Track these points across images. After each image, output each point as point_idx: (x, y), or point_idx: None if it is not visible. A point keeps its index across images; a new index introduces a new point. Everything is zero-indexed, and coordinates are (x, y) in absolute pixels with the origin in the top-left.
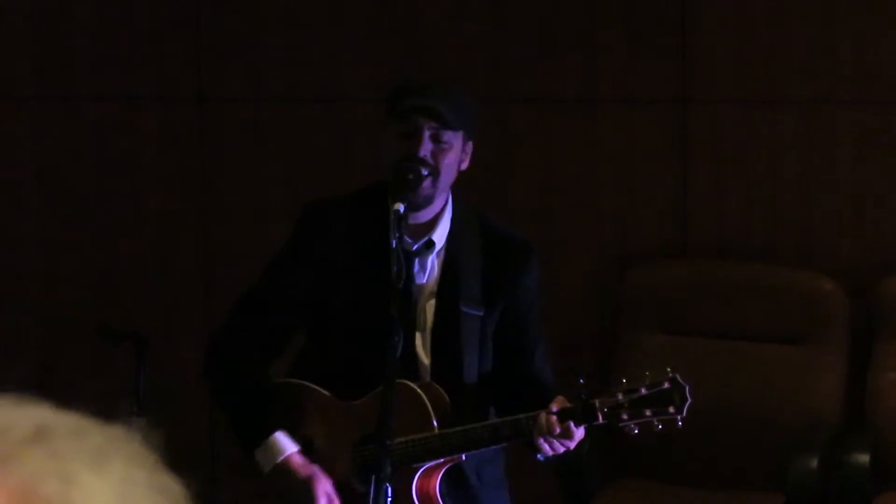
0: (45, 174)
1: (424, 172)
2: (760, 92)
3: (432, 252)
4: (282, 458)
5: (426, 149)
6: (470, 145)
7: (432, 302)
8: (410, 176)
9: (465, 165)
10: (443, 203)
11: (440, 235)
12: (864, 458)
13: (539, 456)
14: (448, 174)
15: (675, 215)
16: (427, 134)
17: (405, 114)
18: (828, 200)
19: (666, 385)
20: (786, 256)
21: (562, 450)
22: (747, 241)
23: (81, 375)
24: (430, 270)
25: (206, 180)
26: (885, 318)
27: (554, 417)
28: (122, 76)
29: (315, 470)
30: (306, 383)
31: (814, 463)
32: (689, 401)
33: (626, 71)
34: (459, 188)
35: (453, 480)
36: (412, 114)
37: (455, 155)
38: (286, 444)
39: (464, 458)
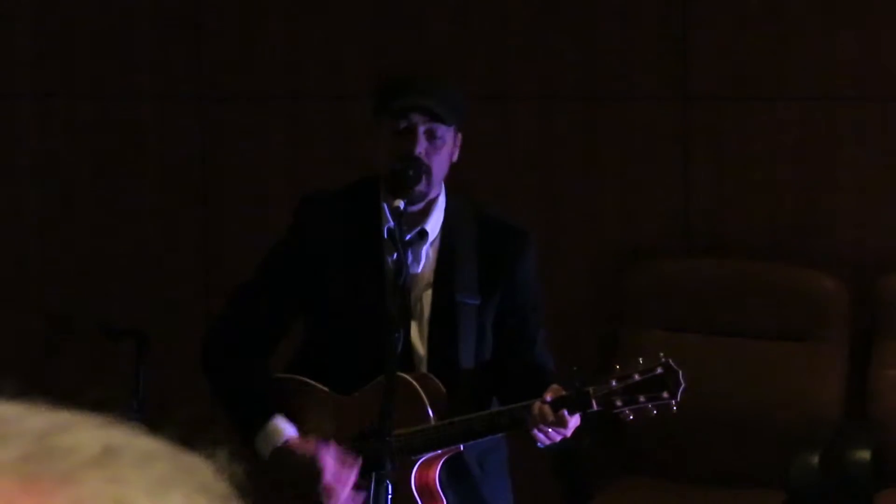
0: (45, 173)
1: (421, 170)
2: (761, 89)
3: (426, 242)
4: (282, 441)
5: (422, 146)
6: (460, 137)
7: (429, 292)
8: (411, 172)
9: (455, 157)
10: (435, 194)
11: (433, 225)
12: (866, 455)
13: (539, 444)
14: (440, 169)
15: (677, 213)
16: (422, 130)
17: (399, 112)
18: (829, 198)
19: (659, 370)
20: (787, 254)
21: (558, 438)
22: (748, 239)
23: (82, 373)
24: (424, 260)
25: (206, 178)
26: (886, 315)
27: (547, 406)
28: (122, 75)
29: (317, 445)
30: (302, 378)
31: (815, 460)
32: (683, 385)
33: (626, 68)
34: (457, 182)
35: (455, 470)
36: (407, 111)
37: (448, 149)
38: (286, 428)
39: (461, 448)
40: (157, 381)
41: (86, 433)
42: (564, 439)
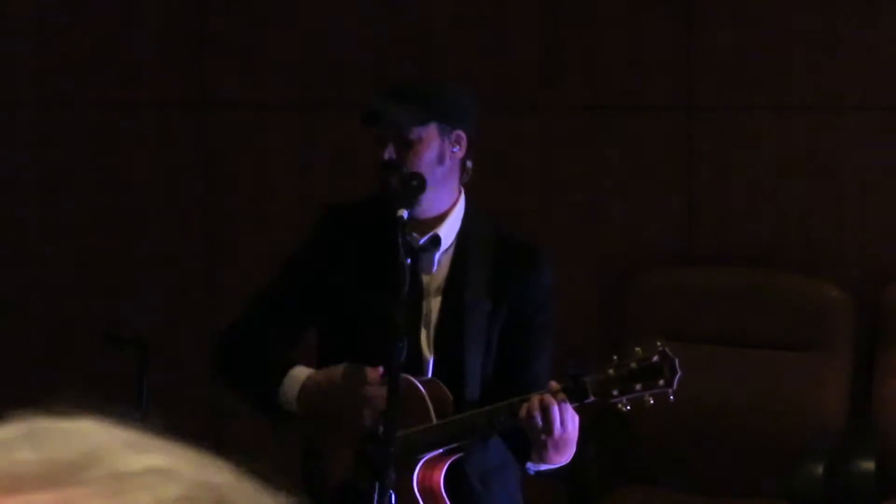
0: (47, 179)
1: (394, 173)
2: (764, 98)
3: (438, 249)
4: (307, 374)
5: (389, 152)
6: (458, 134)
7: (438, 298)
8: (392, 181)
9: (460, 154)
10: (451, 201)
11: (448, 233)
12: (869, 465)
13: (529, 466)
14: (430, 168)
15: (680, 222)
16: (390, 136)
17: (364, 123)
18: (833, 206)
19: (655, 359)
20: (791, 263)
21: (543, 438)
22: (752, 248)
23: (84, 381)
24: (436, 267)
25: (208, 185)
26: (890, 324)
27: (543, 398)
28: (124, 80)
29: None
30: None
31: (819, 469)
32: (679, 373)
33: (629, 77)
34: (470, 195)
35: (456, 485)
36: (368, 123)
37: (433, 149)
38: (308, 370)
39: (464, 451)
40: (160, 389)
41: (195, 474)
42: (550, 455)
